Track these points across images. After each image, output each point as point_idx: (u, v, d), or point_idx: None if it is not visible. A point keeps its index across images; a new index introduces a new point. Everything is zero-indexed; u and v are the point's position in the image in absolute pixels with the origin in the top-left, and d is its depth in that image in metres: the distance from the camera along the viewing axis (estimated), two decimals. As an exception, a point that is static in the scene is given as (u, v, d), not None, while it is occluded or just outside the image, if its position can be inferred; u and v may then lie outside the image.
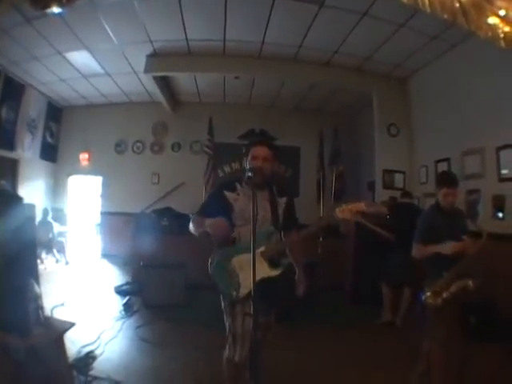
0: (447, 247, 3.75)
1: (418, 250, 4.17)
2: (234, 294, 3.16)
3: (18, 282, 3.03)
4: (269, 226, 3.36)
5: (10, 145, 10.59)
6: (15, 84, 10.39)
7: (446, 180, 4.31)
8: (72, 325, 3.47)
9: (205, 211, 3.39)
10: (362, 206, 3.13)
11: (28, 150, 11.46)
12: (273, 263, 3.30)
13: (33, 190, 11.49)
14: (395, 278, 6.72)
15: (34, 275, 3.40)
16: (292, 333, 5.89)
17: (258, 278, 2.77)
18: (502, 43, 3.11)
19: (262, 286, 2.83)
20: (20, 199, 3.56)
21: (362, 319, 6.82)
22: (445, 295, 3.89)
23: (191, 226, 3.41)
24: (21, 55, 9.03)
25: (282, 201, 3.53)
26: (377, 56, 8.87)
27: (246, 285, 3.07)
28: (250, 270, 2.81)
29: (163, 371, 4.56)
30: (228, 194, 3.39)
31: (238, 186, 3.44)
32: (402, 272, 6.56)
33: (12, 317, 2.94)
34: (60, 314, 5.80)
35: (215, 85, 11.52)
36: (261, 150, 3.44)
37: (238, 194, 3.40)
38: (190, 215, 3.52)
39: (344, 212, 3.14)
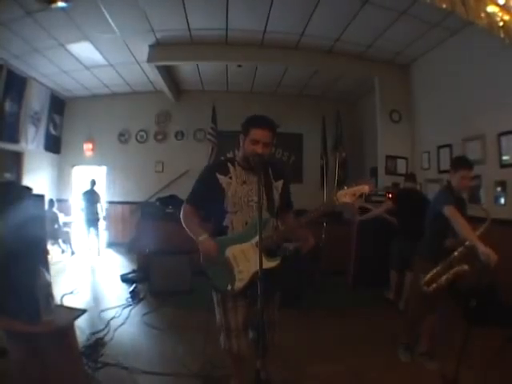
0: (486, 251, 3.56)
1: (453, 212, 3.97)
2: (229, 288, 3.03)
3: (29, 271, 3.08)
4: (264, 212, 2.99)
5: (14, 138, 10.63)
6: (18, 77, 10.40)
7: (465, 162, 4.32)
8: (83, 312, 3.54)
9: (197, 199, 3.25)
10: (365, 188, 2.97)
11: (32, 143, 11.51)
12: (270, 253, 3.05)
13: (37, 182, 11.52)
14: (399, 264, 6.79)
15: (44, 263, 3.46)
16: (295, 316, 5.97)
17: (254, 270, 2.87)
18: (501, 32, 3.14)
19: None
20: (29, 190, 3.61)
21: (364, 303, 6.88)
22: (443, 280, 3.98)
23: (183, 220, 3.23)
24: (23, 48, 9.05)
25: (279, 184, 3.31)
26: (378, 43, 8.87)
27: (242, 278, 3.01)
28: (246, 261, 2.95)
29: (171, 356, 4.64)
30: (221, 177, 3.14)
31: (230, 167, 3.20)
32: (404, 258, 6.63)
33: (23, 304, 3.00)
34: (69, 302, 5.89)
35: (218, 73, 11.53)
36: (263, 134, 3.12)
37: (231, 178, 3.15)
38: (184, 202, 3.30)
39: (347, 196, 2.96)
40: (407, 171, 9.73)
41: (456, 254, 3.96)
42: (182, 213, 3.25)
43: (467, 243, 3.87)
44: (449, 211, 3.96)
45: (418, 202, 6.97)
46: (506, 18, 3.09)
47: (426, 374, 4.21)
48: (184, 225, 3.22)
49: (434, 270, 4.05)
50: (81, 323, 4.10)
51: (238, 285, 3.00)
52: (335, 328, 5.74)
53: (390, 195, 8.46)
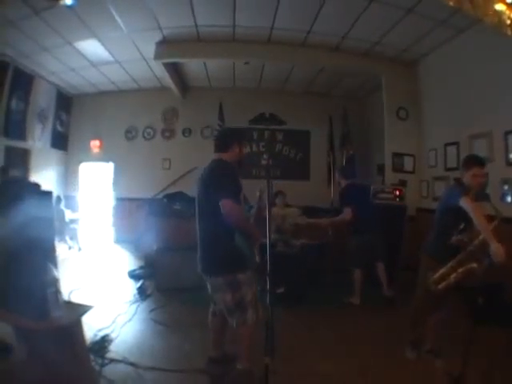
0: (498, 249, 3.61)
1: (470, 203, 3.94)
2: (258, 259, 3.72)
3: (37, 266, 3.10)
4: None
5: (21, 135, 10.68)
6: (24, 75, 10.45)
7: (477, 160, 4.30)
8: (90, 308, 3.56)
9: (237, 196, 3.64)
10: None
11: (39, 140, 11.57)
12: None
13: (45, 179, 11.51)
14: (364, 261, 6.84)
15: (52, 259, 3.48)
16: (298, 315, 6.00)
17: None
18: (509, 30, 3.13)
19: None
20: (38, 186, 3.65)
21: (368, 302, 6.83)
22: (452, 278, 3.97)
23: (241, 221, 3.66)
24: (29, 46, 9.09)
25: None
26: (385, 40, 8.84)
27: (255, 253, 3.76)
28: None
29: (177, 352, 4.68)
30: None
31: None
32: (372, 251, 6.80)
33: (32, 301, 3.02)
34: (77, 299, 5.91)
35: (225, 70, 11.52)
36: None
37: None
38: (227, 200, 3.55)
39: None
40: (414, 169, 9.79)
41: (465, 252, 3.96)
42: (236, 213, 3.60)
43: (476, 242, 3.87)
44: (466, 202, 3.93)
45: (368, 193, 7.15)
46: (514, 16, 3.08)
47: (431, 372, 4.22)
48: (242, 225, 3.69)
49: (444, 269, 4.05)
50: (88, 319, 4.11)
51: (258, 258, 3.78)
52: (338, 327, 5.75)
53: (398, 192, 8.50)
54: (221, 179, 3.64)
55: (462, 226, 4.00)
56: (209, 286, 4.04)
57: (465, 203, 3.92)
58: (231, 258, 3.59)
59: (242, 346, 3.81)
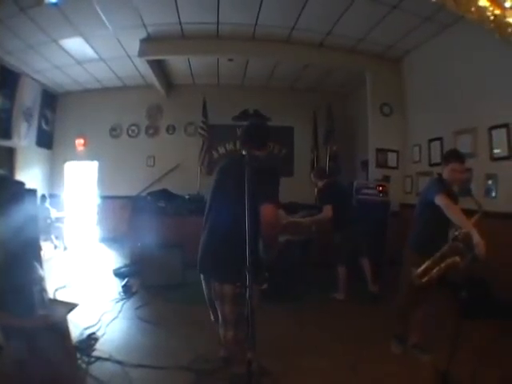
0: (480, 241, 3.65)
1: (445, 200, 3.98)
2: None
3: (23, 265, 3.08)
4: None
5: (7, 133, 10.60)
6: (10, 73, 10.37)
7: (456, 155, 4.35)
8: (75, 306, 3.55)
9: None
10: None
11: (24, 138, 11.46)
12: None
13: (30, 178, 11.44)
14: (350, 256, 6.95)
15: (38, 258, 3.47)
16: (285, 309, 6.07)
17: None
18: (492, 26, 3.14)
19: None
20: (22, 184, 3.61)
21: (358, 299, 6.85)
22: (435, 272, 4.00)
23: (279, 230, 3.50)
24: (15, 44, 9.01)
25: None
26: (370, 37, 8.88)
27: None
28: None
29: (163, 349, 4.68)
30: None
31: None
32: (355, 247, 6.91)
33: (17, 299, 3.01)
34: (63, 297, 5.89)
35: (209, 67, 11.51)
36: None
37: None
38: (270, 205, 3.06)
39: None
40: (398, 164, 9.89)
41: (448, 245, 3.99)
42: (277, 222, 3.26)
43: (459, 236, 3.90)
44: (440, 199, 3.99)
45: (347, 190, 7.38)
46: (497, 12, 3.10)
47: (418, 366, 4.27)
48: (276, 237, 3.44)
49: (426, 263, 4.07)
50: (74, 318, 4.10)
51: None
52: (324, 324, 5.75)
53: (381, 187, 8.56)
54: (267, 179, 3.14)
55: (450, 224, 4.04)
56: (205, 286, 3.54)
57: (439, 201, 4.00)
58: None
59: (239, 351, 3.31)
